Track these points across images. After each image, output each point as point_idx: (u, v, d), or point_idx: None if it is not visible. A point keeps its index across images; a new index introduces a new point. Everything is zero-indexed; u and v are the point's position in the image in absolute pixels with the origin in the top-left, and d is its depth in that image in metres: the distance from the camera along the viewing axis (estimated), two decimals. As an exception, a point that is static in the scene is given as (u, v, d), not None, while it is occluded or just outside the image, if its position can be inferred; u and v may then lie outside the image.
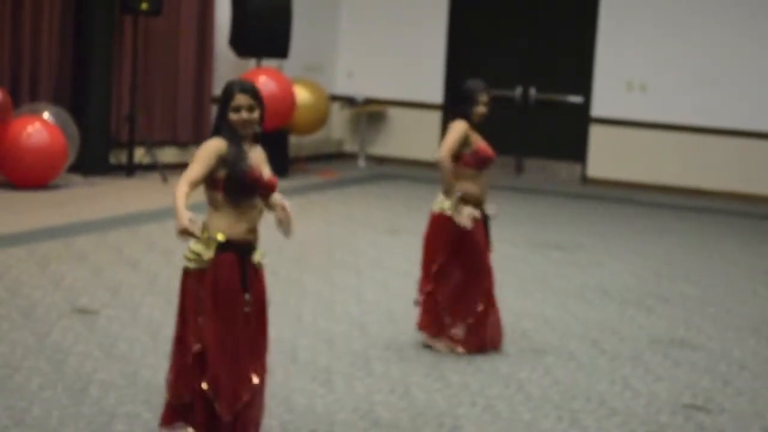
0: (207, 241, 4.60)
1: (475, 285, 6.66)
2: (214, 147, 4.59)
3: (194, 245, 4.63)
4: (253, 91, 4.65)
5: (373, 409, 5.71)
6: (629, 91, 13.94)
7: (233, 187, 4.60)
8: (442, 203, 6.60)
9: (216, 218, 4.63)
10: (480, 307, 6.66)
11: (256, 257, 4.73)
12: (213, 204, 4.65)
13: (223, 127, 4.65)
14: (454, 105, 6.71)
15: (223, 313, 4.62)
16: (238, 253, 4.64)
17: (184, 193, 4.47)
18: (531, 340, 7.14)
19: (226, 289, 4.62)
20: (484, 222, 6.69)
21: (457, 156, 6.53)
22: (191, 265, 4.64)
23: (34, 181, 11.26)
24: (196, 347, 4.63)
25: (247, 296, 4.66)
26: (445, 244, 6.61)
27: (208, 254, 4.60)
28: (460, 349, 6.66)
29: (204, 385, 4.62)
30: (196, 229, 4.38)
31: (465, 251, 6.61)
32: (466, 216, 6.48)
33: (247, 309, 4.66)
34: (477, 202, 6.63)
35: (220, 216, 4.63)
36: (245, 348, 4.68)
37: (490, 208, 6.75)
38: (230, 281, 4.62)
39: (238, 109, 4.62)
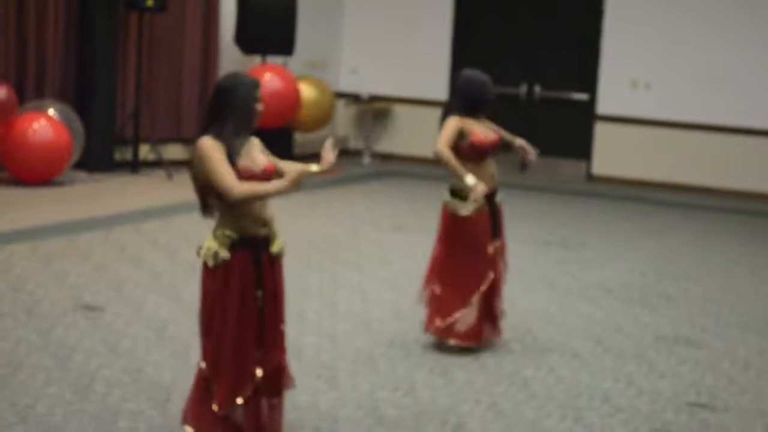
0: (222, 239, 4.60)
1: (474, 275, 6.61)
2: (221, 148, 4.55)
3: (210, 243, 4.63)
4: None
5: (376, 406, 5.71)
6: (634, 88, 13.93)
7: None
8: (446, 197, 6.63)
9: (226, 218, 4.63)
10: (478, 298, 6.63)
11: (274, 248, 4.74)
12: (218, 207, 4.64)
13: (235, 118, 4.60)
14: (469, 100, 6.67)
15: (232, 309, 4.62)
16: (252, 249, 4.64)
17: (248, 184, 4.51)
18: (535, 338, 7.13)
19: (237, 286, 4.62)
20: (491, 212, 6.66)
21: (456, 148, 6.53)
22: (209, 263, 4.63)
23: (38, 177, 11.26)
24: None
25: (259, 293, 4.66)
26: (447, 234, 6.62)
27: (223, 253, 4.60)
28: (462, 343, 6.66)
29: (202, 364, 4.69)
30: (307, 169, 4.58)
31: (463, 240, 6.59)
32: (479, 192, 6.39)
33: (259, 304, 4.67)
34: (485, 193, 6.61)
35: (229, 216, 4.62)
36: (251, 343, 4.68)
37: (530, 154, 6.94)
38: (242, 279, 4.63)
39: (259, 100, 4.70)
